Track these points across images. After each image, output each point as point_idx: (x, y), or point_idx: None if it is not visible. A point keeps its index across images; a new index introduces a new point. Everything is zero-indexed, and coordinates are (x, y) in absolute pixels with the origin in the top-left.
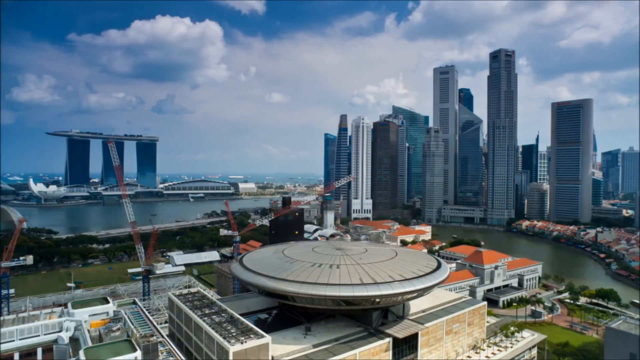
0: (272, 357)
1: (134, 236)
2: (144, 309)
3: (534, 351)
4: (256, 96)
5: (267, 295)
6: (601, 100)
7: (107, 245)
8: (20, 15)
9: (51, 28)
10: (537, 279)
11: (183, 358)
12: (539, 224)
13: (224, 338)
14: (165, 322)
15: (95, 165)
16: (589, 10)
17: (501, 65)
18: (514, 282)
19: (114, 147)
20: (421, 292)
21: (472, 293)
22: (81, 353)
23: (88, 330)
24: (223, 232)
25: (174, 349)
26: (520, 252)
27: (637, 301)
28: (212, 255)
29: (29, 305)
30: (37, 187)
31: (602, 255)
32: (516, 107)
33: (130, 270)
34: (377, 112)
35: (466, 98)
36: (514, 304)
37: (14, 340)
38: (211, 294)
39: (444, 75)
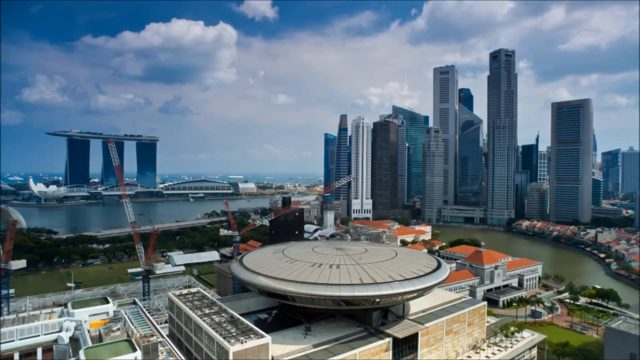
0: (272, 357)
1: (134, 236)
2: (144, 309)
3: (534, 351)
4: (258, 96)
5: (267, 295)
6: (600, 102)
7: (107, 245)
8: (37, 18)
9: (66, 30)
10: (537, 279)
11: (183, 358)
12: (539, 224)
13: (224, 338)
14: (165, 322)
15: (96, 165)
16: (589, 16)
17: (501, 65)
18: (514, 282)
19: (114, 147)
20: (421, 292)
21: (472, 293)
22: (81, 353)
23: (88, 330)
24: (223, 232)
25: (174, 349)
26: (520, 252)
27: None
28: (212, 255)
29: (29, 305)
30: (37, 187)
31: (602, 255)
32: (516, 107)
33: (130, 270)
34: (379, 113)
35: (466, 98)
36: (514, 304)
37: (14, 340)
38: (211, 294)
39: (444, 75)
